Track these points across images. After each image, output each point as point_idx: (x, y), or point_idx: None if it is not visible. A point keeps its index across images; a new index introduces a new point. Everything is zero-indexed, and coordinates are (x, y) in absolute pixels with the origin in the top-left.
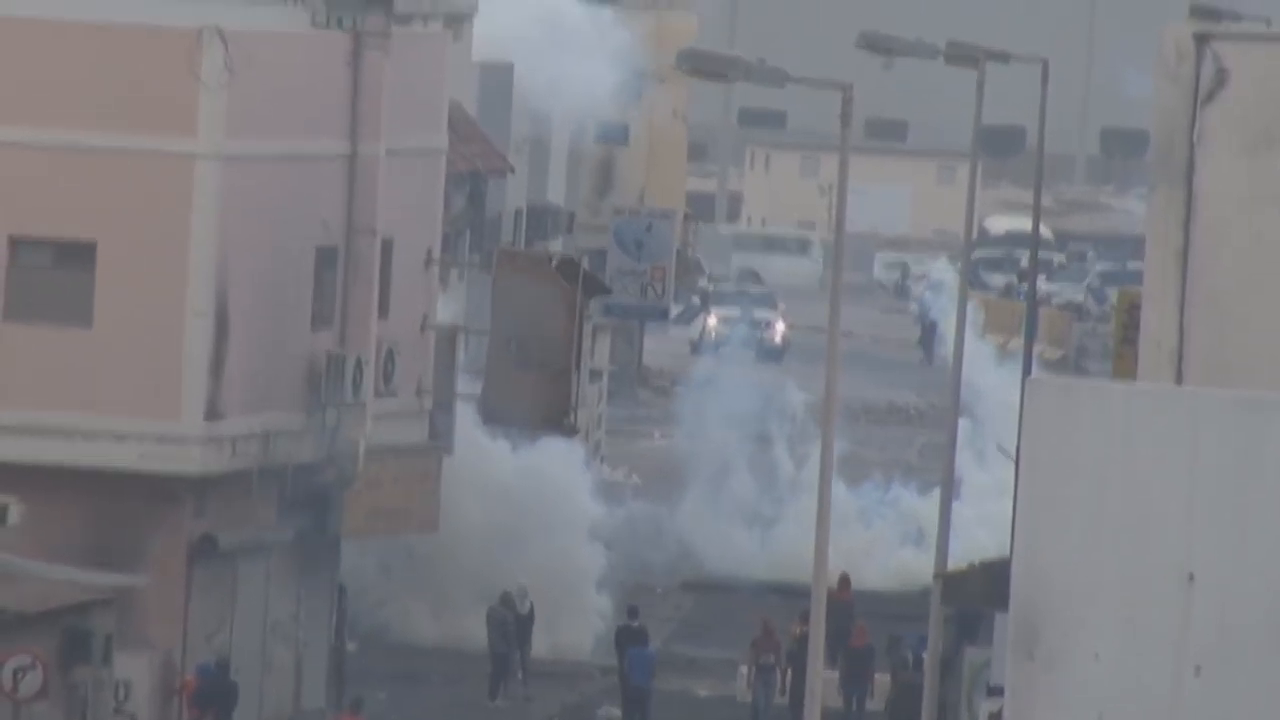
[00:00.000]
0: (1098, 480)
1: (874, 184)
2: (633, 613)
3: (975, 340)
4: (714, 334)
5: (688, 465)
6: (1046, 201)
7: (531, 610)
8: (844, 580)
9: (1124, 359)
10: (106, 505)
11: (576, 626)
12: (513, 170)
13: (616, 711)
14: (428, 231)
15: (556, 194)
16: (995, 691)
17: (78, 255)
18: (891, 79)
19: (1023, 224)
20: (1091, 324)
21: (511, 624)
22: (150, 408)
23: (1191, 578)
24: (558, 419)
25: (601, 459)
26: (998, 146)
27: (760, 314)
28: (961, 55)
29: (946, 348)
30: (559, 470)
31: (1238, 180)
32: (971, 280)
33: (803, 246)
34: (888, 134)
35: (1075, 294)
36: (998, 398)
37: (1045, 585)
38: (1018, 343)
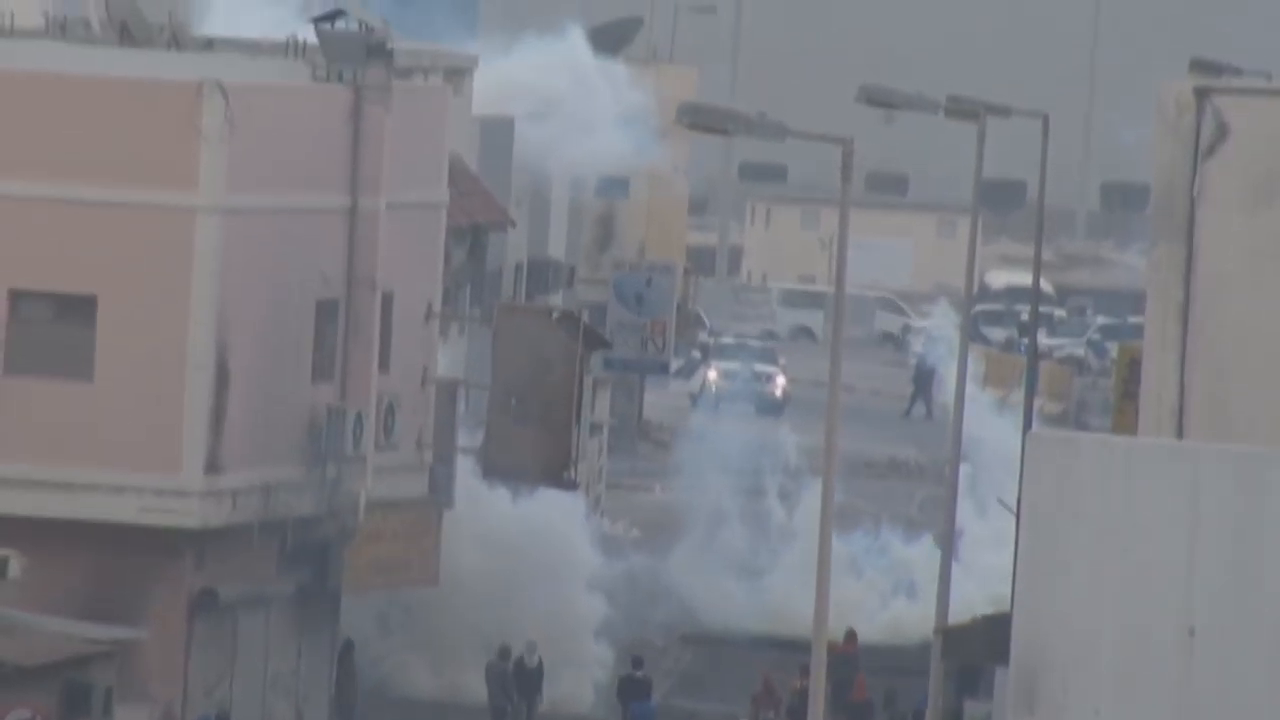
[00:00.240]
0: (1098, 534)
1: (875, 238)
2: (637, 663)
3: (974, 391)
4: (714, 388)
5: (686, 518)
6: (1047, 256)
7: (540, 665)
8: (850, 634)
9: (1125, 414)
10: (107, 559)
11: (576, 677)
12: (513, 224)
13: None
14: (428, 285)
15: (557, 248)
16: None
17: (78, 308)
18: (892, 133)
19: (1023, 278)
20: (1092, 378)
21: (511, 677)
22: (151, 461)
23: (1192, 632)
24: (558, 473)
25: (602, 512)
26: (998, 201)
27: (760, 368)
28: (962, 109)
29: (945, 394)
30: (558, 521)
31: (1238, 235)
32: (971, 334)
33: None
34: (888, 188)
35: (1076, 348)
36: (997, 446)
37: (1046, 639)
38: (1018, 396)
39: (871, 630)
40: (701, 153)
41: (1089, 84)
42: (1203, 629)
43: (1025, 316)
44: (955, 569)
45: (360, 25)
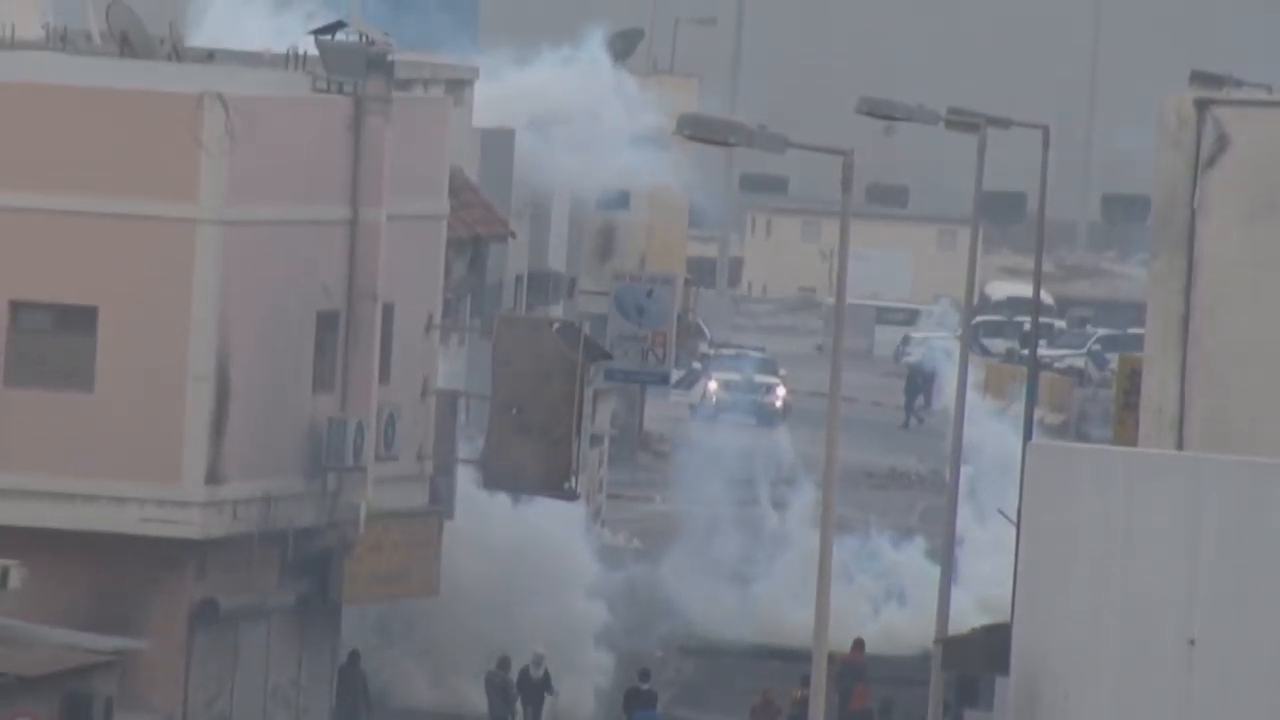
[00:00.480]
0: (1099, 545)
1: (875, 249)
2: (644, 675)
3: (974, 397)
4: (715, 399)
5: (685, 529)
6: (1048, 267)
7: (546, 676)
8: (858, 643)
9: (1125, 424)
10: (107, 569)
11: (577, 685)
12: (514, 235)
13: None
14: (429, 296)
15: (557, 259)
16: None
17: (79, 319)
18: (893, 145)
19: (1023, 290)
20: (1093, 389)
21: (511, 688)
22: (151, 472)
23: (1193, 643)
24: (558, 484)
25: (602, 523)
26: (999, 212)
27: (761, 379)
28: (962, 121)
29: (944, 396)
30: (557, 529)
31: (1238, 246)
32: (971, 345)
33: (911, 317)
34: (889, 199)
35: (1076, 359)
36: (996, 450)
37: (1047, 650)
38: (1018, 408)
39: (868, 639)
40: (701, 164)
41: (1089, 95)
42: (1203, 640)
43: (1027, 327)
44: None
45: (361, 37)
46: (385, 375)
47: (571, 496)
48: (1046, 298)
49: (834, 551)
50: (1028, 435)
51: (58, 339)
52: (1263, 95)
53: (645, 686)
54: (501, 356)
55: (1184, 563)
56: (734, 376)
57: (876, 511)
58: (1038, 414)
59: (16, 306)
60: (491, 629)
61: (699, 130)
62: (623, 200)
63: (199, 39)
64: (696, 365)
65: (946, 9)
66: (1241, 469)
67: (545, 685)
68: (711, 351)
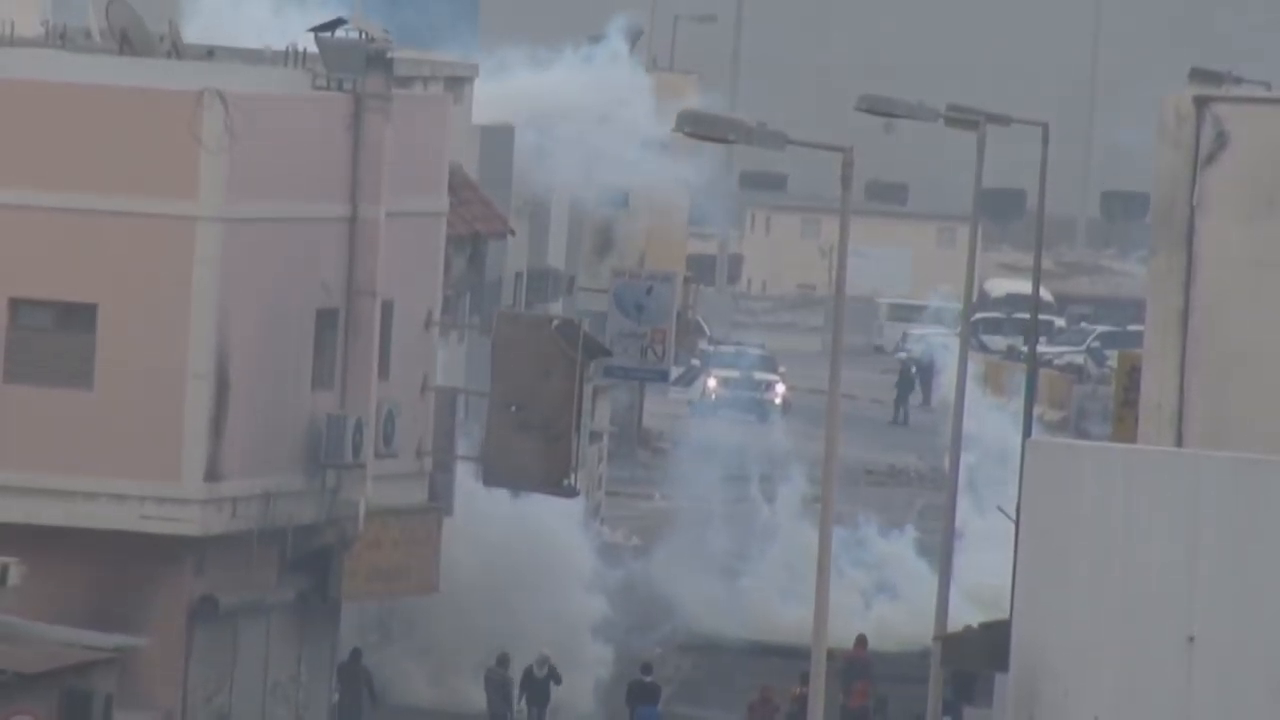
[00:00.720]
0: (1098, 542)
1: (874, 246)
2: (646, 669)
3: (972, 388)
4: (714, 396)
5: (684, 526)
6: (1047, 264)
7: (549, 674)
8: (860, 640)
9: (1124, 421)
10: (107, 566)
11: (576, 679)
12: (513, 233)
13: None
14: (428, 294)
15: (557, 257)
16: None
17: (78, 317)
18: (892, 142)
19: (1023, 287)
20: (1092, 386)
21: (511, 685)
22: (150, 469)
23: (1192, 639)
24: (558, 480)
25: (601, 520)
26: (998, 209)
27: (760, 376)
28: (962, 118)
29: (944, 389)
30: (555, 522)
31: (1238, 243)
32: (971, 342)
33: (922, 313)
34: (888, 196)
35: (1076, 356)
36: (994, 440)
37: (1046, 646)
38: (1017, 404)
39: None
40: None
41: (1089, 93)
42: (1202, 636)
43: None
44: (922, 570)
45: (360, 34)
46: (384, 372)
47: (571, 493)
48: (1046, 295)
49: (794, 532)
50: (1027, 432)
51: (57, 336)
52: (1262, 92)
53: (648, 679)
54: (501, 353)
55: (1183, 560)
56: (733, 373)
57: (876, 508)
58: (1036, 411)
59: (16, 304)
60: (490, 625)
61: (698, 127)
62: (622, 198)
63: (194, 30)
64: (696, 362)
65: (946, 7)
66: (1240, 466)
67: (547, 684)
68: (711, 348)
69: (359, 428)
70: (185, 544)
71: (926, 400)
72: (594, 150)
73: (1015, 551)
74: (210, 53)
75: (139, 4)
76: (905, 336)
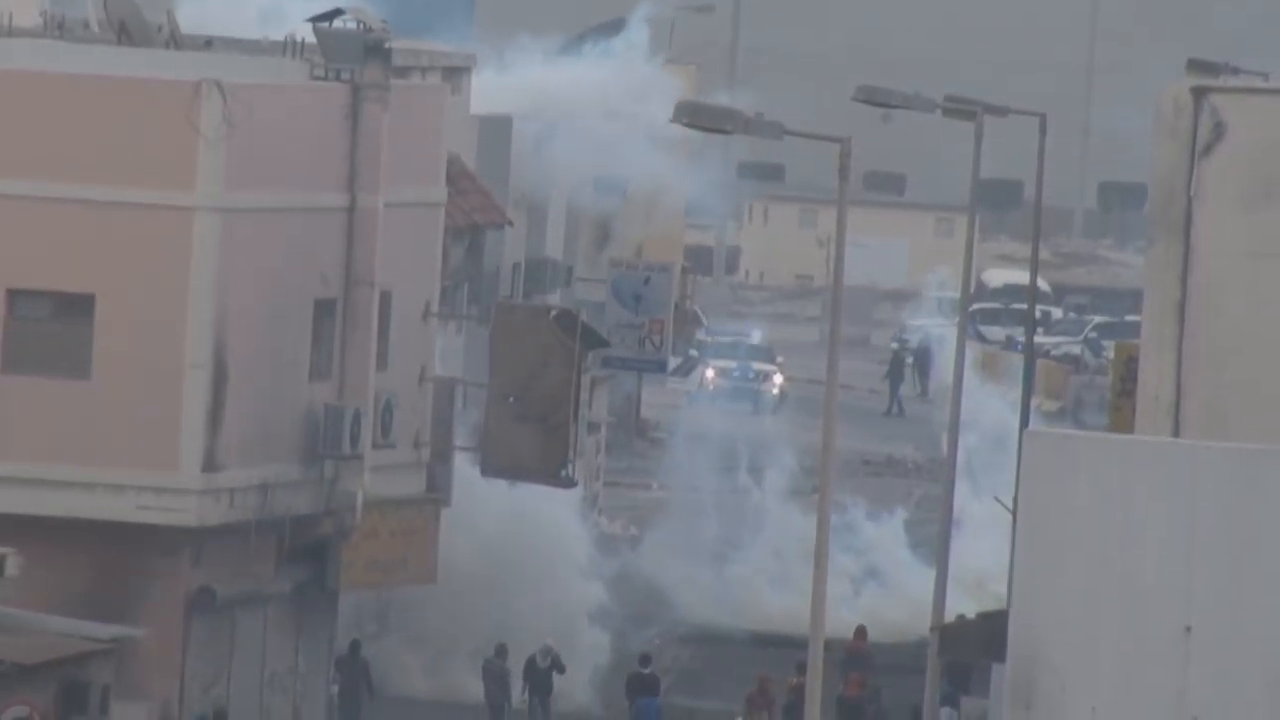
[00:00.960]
0: (1095, 532)
1: (872, 237)
2: (645, 660)
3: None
4: (712, 386)
5: (680, 516)
6: (1044, 255)
7: (552, 664)
8: (860, 630)
9: (1121, 412)
10: (104, 556)
11: (573, 667)
12: (511, 223)
13: None
14: (426, 284)
15: (555, 247)
16: None
17: (76, 307)
18: (890, 132)
19: (1021, 277)
20: (1089, 376)
21: (508, 676)
22: (148, 459)
23: (1189, 630)
24: (555, 471)
25: (599, 510)
26: (996, 200)
27: (758, 366)
28: (959, 109)
29: (942, 374)
30: (551, 511)
31: (1235, 234)
32: (968, 333)
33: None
34: (886, 187)
35: (1073, 346)
36: (991, 420)
37: (1043, 637)
38: (1014, 394)
39: (847, 626)
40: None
41: (1086, 83)
42: (1199, 627)
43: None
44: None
45: (358, 24)
46: (382, 362)
47: (569, 484)
48: (1043, 285)
49: (805, 526)
50: (1025, 422)
51: (55, 327)
52: (1259, 83)
53: (647, 671)
54: (499, 344)
55: (1180, 550)
56: (731, 364)
57: (874, 498)
58: (1034, 401)
59: (14, 294)
60: (487, 616)
61: (696, 118)
62: (620, 187)
63: (187, 16)
64: (694, 353)
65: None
66: (1238, 456)
67: (553, 672)
68: (709, 339)
69: (357, 418)
70: (183, 534)
71: (924, 391)
72: (599, 146)
73: (1013, 542)
74: (208, 43)
75: None
76: (904, 327)
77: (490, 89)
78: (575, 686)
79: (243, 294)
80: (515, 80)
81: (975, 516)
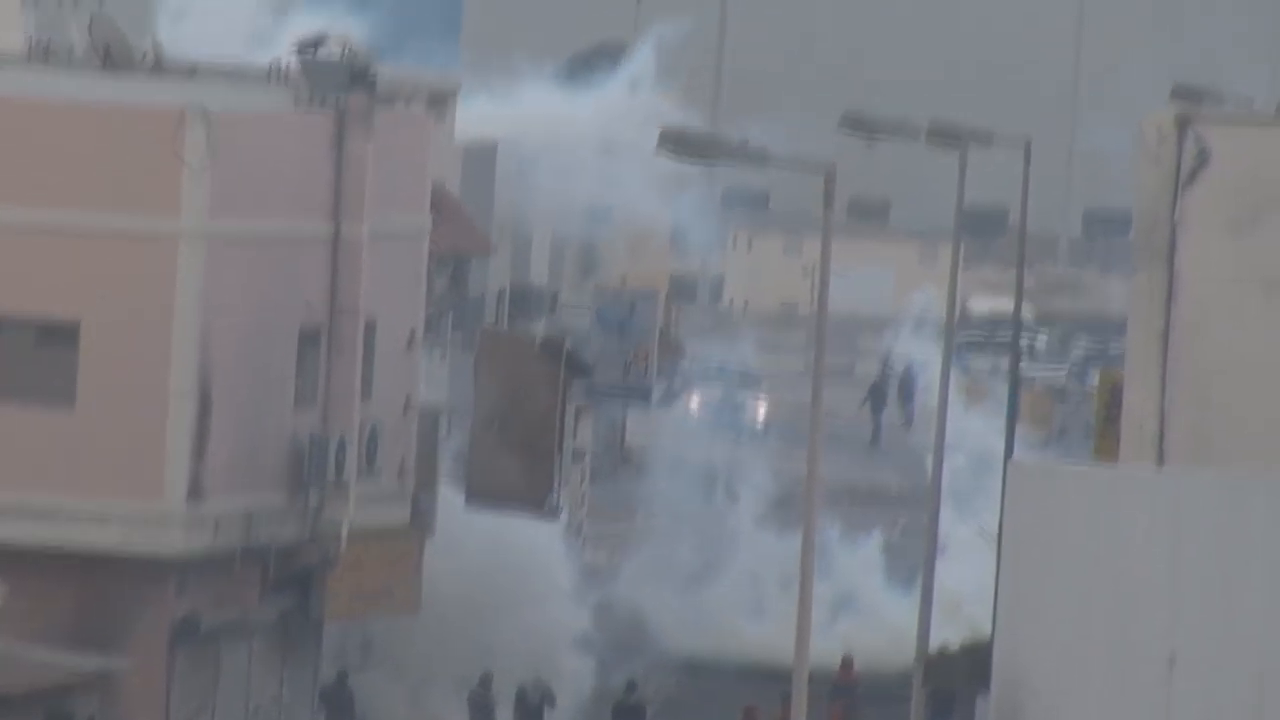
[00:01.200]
0: (1080, 561)
1: (856, 264)
2: (631, 687)
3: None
4: (696, 414)
5: (658, 544)
6: (1029, 283)
7: (543, 699)
8: (846, 661)
9: (1106, 440)
10: (88, 586)
11: (557, 695)
12: (495, 251)
13: None
14: (411, 312)
15: (539, 275)
16: None
17: (60, 335)
18: (874, 160)
19: (1005, 305)
20: (1074, 405)
21: (493, 707)
22: (133, 488)
23: (1174, 660)
24: (540, 499)
25: (584, 539)
26: (980, 228)
27: (743, 395)
28: (944, 136)
29: (925, 397)
30: (536, 539)
31: (1219, 261)
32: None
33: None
34: (870, 214)
35: (1057, 375)
36: (974, 443)
37: (1028, 666)
38: (998, 419)
39: (826, 655)
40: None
41: (1071, 110)
42: (1184, 657)
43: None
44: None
45: (343, 52)
46: (367, 391)
47: (554, 513)
48: (1028, 313)
49: (782, 545)
50: (1009, 451)
51: (39, 354)
52: (1243, 111)
53: (633, 699)
54: (484, 372)
55: (1165, 579)
56: (715, 392)
57: (859, 526)
58: (1019, 430)
59: None
60: (471, 645)
61: (681, 146)
62: (605, 215)
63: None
64: (678, 381)
65: (928, 24)
66: (1222, 485)
67: (544, 705)
68: (693, 367)
69: (341, 447)
70: (167, 564)
71: (908, 419)
72: (584, 174)
73: (997, 571)
74: (193, 70)
75: (122, 20)
76: (889, 354)
77: (486, 117)
78: (558, 714)
79: (227, 322)
80: (514, 109)
81: (955, 540)
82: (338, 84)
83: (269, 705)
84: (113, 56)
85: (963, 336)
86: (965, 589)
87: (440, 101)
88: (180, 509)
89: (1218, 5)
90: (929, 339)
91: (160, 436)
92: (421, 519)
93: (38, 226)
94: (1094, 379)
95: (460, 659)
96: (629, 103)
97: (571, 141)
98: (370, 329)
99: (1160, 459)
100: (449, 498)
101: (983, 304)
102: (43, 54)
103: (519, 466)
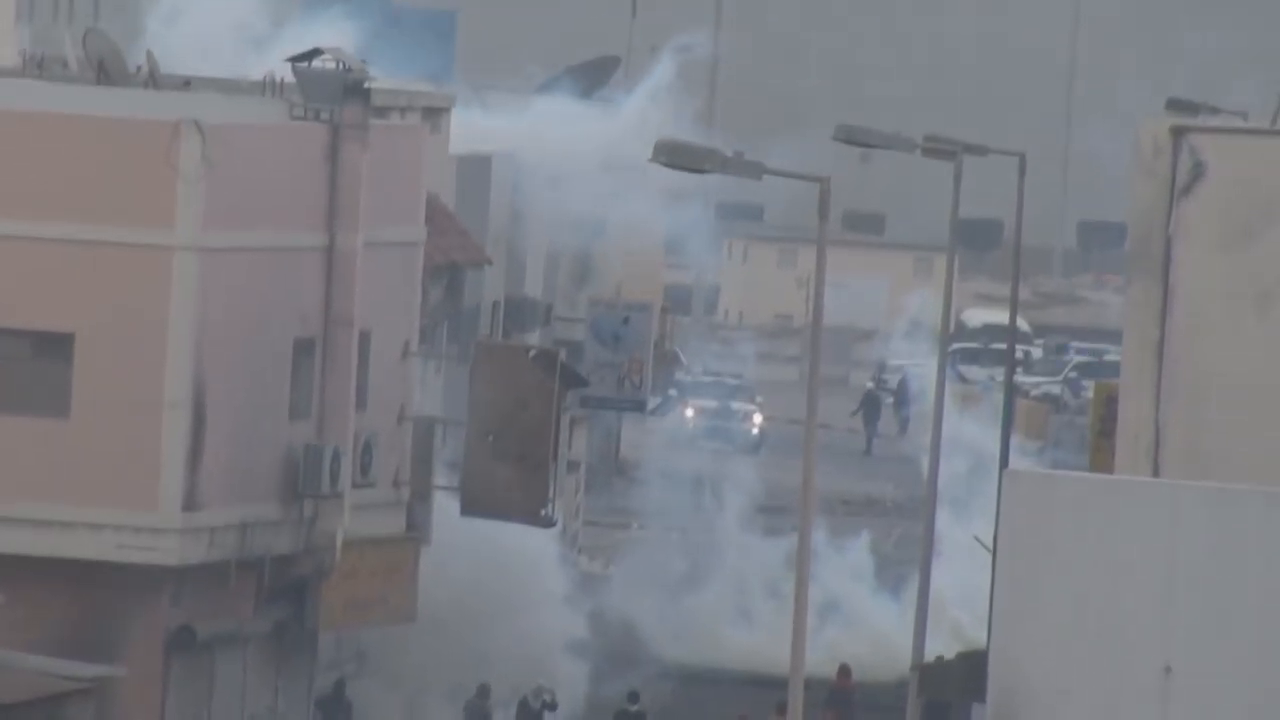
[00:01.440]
0: (1075, 572)
1: (851, 276)
2: (633, 697)
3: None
4: (691, 425)
5: (650, 553)
6: (1024, 294)
7: (544, 706)
8: (844, 670)
9: (1101, 451)
10: (83, 596)
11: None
12: (490, 262)
13: None
14: (405, 323)
15: (534, 286)
16: None
17: (55, 346)
18: (869, 172)
19: (1000, 317)
20: (1069, 416)
21: (490, 717)
22: (127, 498)
23: (1169, 670)
24: (535, 510)
25: (579, 550)
26: (975, 239)
27: (737, 405)
28: (939, 148)
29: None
30: (529, 547)
31: (1214, 273)
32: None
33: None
34: (865, 227)
35: (1052, 386)
36: (970, 446)
37: (1023, 676)
38: (992, 430)
39: (813, 663)
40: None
41: (1065, 122)
42: (1179, 667)
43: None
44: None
45: (337, 64)
46: (362, 402)
47: (548, 523)
48: (1023, 325)
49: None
50: (1005, 461)
51: (34, 365)
52: (1238, 122)
53: (634, 708)
54: (478, 383)
55: (1160, 590)
56: (710, 403)
57: (853, 537)
58: (1014, 441)
59: None
60: (466, 654)
61: (675, 158)
62: (599, 227)
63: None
64: (673, 392)
65: (923, 37)
66: (1217, 496)
67: (544, 711)
68: (688, 378)
69: (336, 457)
70: (162, 574)
71: (903, 429)
72: (581, 187)
73: (992, 580)
74: (187, 83)
75: (114, 32)
76: (884, 366)
77: (496, 130)
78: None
79: (222, 333)
80: (528, 123)
81: (944, 543)
82: (332, 95)
83: (264, 714)
84: (107, 70)
85: (957, 346)
86: (949, 593)
87: (435, 113)
88: (175, 519)
89: (1213, 18)
90: (923, 342)
91: (155, 447)
92: (416, 529)
93: (32, 238)
94: (1089, 390)
95: (455, 668)
96: (651, 116)
97: (591, 157)
98: (365, 339)
99: (1155, 470)
100: (444, 507)
101: (977, 317)
102: (36, 67)
103: (514, 477)
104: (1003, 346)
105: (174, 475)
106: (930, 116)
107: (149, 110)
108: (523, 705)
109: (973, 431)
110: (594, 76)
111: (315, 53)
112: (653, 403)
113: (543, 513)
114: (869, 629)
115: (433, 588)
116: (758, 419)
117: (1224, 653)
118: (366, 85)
